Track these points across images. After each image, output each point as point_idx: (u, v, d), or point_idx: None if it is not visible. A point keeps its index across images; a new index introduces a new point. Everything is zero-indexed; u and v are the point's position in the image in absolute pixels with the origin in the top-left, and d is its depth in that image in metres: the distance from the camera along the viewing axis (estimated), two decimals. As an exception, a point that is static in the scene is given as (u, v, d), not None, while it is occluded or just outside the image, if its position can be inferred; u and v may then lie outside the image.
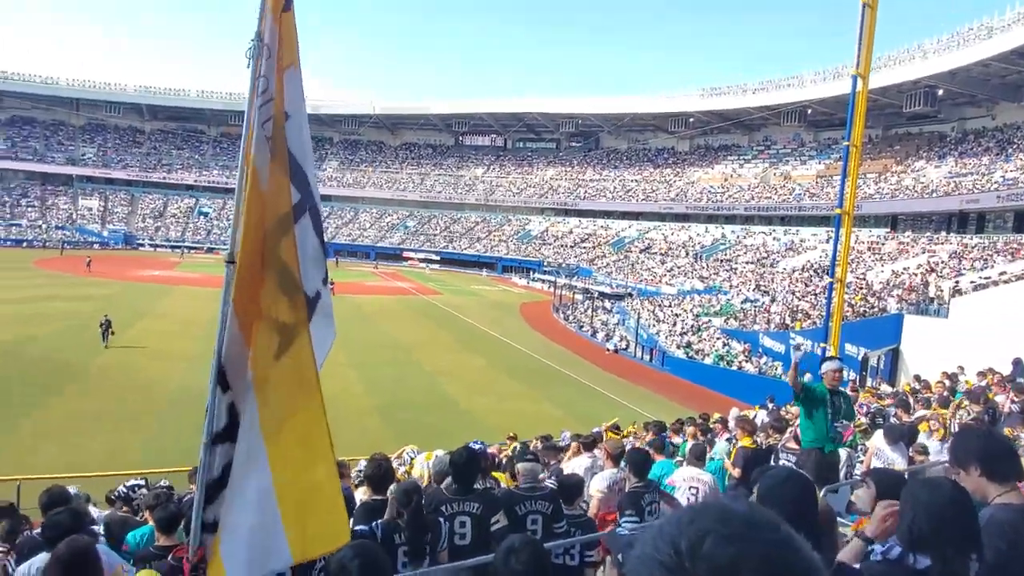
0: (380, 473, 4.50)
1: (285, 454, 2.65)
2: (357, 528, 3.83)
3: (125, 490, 7.17)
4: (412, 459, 8.53)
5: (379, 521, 3.97)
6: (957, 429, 7.95)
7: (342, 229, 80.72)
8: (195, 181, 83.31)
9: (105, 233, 73.50)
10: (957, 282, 26.20)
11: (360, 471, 7.05)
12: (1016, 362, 14.65)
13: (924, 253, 36.19)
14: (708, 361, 29.91)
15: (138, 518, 5.95)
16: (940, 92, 45.15)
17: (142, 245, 72.62)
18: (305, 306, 2.79)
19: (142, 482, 7.50)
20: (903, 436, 7.29)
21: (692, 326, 35.62)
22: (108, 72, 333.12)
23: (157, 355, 24.10)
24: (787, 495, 2.33)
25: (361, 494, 4.78)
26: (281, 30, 2.83)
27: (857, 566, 2.40)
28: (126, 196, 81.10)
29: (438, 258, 74.79)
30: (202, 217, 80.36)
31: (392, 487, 4.43)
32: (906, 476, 4.12)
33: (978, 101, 45.87)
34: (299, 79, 2.97)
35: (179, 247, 71.48)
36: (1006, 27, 36.58)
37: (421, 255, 75.68)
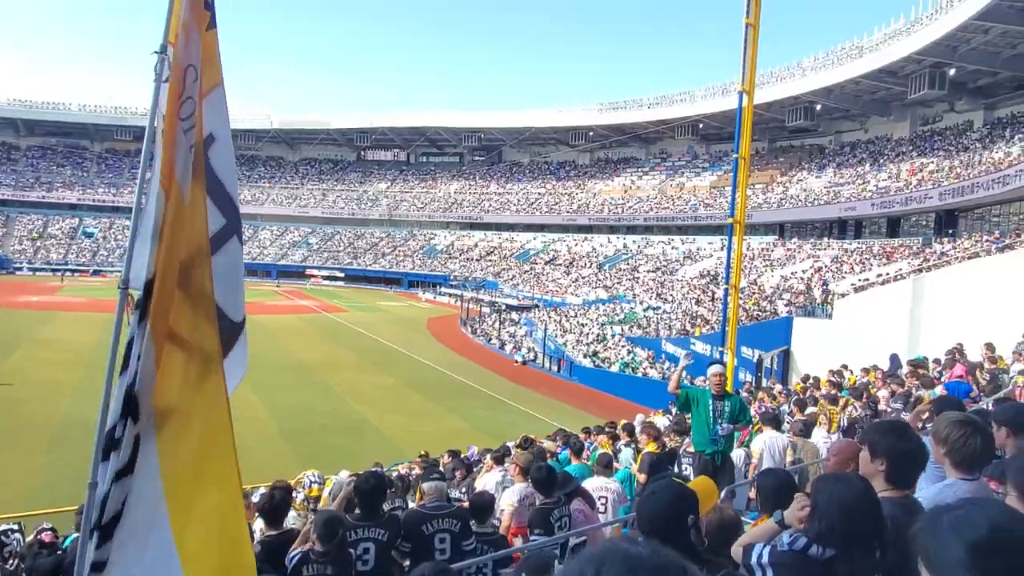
0: (273, 505, 4.30)
1: (187, 489, 2.49)
2: None
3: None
4: (311, 484, 8.24)
5: (293, 556, 3.79)
6: (846, 424, 8.41)
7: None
8: (78, 200, 78.11)
9: (-25, 257, 67.95)
10: (826, 285, 27.88)
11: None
12: (893, 357, 15.71)
13: (809, 258, 38.38)
14: (614, 369, 30.57)
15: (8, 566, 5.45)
16: (818, 107, 48.18)
17: (19, 269, 67.46)
18: (220, 334, 2.66)
19: (15, 527, 6.89)
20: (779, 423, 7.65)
21: (598, 335, 36.35)
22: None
23: (38, 387, 22.36)
24: (657, 510, 2.38)
25: (260, 525, 4.55)
26: (205, 49, 2.70)
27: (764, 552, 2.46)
28: (0, 217, 75.25)
29: (342, 275, 73.34)
30: (87, 238, 75.53)
31: (292, 516, 4.26)
32: (790, 472, 4.30)
33: (852, 115, 49.23)
34: (223, 99, 2.83)
35: (61, 270, 66.87)
36: (874, 47, 39.47)
37: (325, 272, 73.98)
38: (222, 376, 2.59)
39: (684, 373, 7.04)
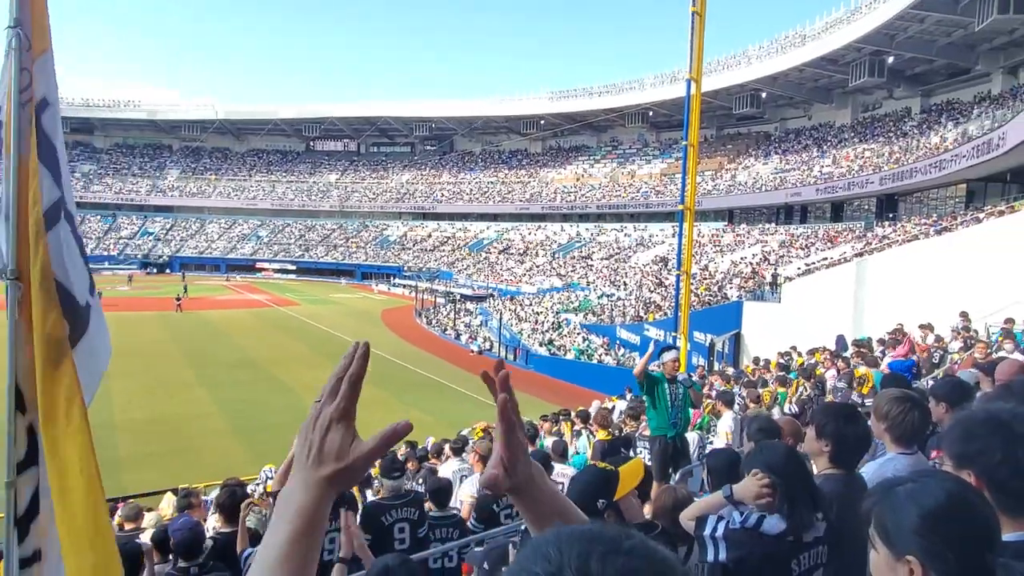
0: (233, 501, 4.24)
1: (60, 479, 2.42)
2: None
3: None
4: (267, 479, 8.13)
5: (248, 555, 3.74)
6: (795, 405, 8.63)
7: (188, 241, 75.91)
8: None
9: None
10: (775, 272, 28.57)
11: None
12: (839, 339, 16.18)
13: (758, 243, 39.22)
14: (570, 356, 30.80)
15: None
16: (764, 95, 49.10)
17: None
18: (70, 318, 2.52)
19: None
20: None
21: (553, 323, 36.57)
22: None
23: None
24: (572, 492, 2.47)
25: (214, 522, 4.47)
26: (34, 13, 2.57)
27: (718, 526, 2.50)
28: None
29: (294, 268, 72.14)
30: None
31: (253, 515, 4.19)
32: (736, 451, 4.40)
33: (796, 103, 50.32)
34: (52, 64, 2.68)
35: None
36: (816, 35, 40.35)
37: (276, 265, 72.66)
38: (73, 366, 2.48)
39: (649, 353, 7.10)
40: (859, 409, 3.11)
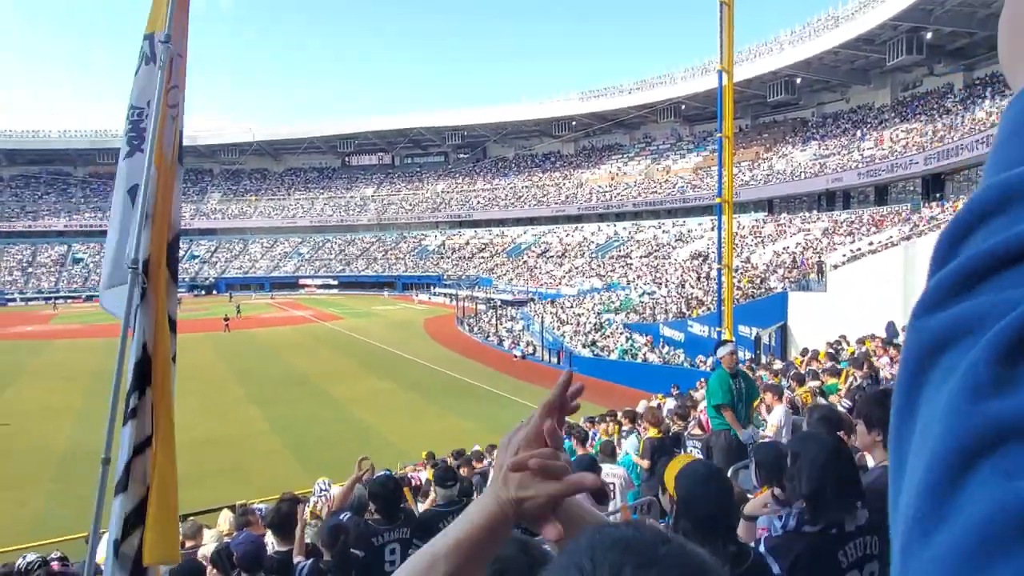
0: (281, 517, 4.32)
1: (165, 451, 2.64)
2: None
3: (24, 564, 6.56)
4: (325, 490, 8.26)
5: (301, 568, 3.82)
6: (846, 398, 8.44)
7: (232, 263, 77.62)
8: (65, 226, 77.78)
9: (-34, 292, 67.48)
10: (820, 260, 27.96)
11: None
12: (889, 325, 15.78)
13: (800, 232, 38.48)
14: (614, 357, 30.61)
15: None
16: (799, 80, 48.23)
17: (12, 300, 67.10)
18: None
19: (36, 558, 6.88)
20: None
21: (595, 324, 36.40)
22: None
23: (41, 417, 22.28)
24: (711, 493, 2.27)
25: (270, 539, 4.57)
26: (177, 29, 2.84)
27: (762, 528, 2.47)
28: (-13, 249, 74.82)
29: (336, 282, 73.20)
30: (77, 264, 75.17)
31: (306, 527, 4.28)
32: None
33: (832, 86, 49.31)
34: (184, 75, 2.97)
35: (53, 298, 66.57)
36: (850, 16, 39.51)
37: (318, 281, 73.84)
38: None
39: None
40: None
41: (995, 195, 0.34)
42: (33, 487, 15.85)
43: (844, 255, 26.84)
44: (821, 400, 8.25)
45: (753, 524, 2.93)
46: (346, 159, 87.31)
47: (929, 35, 35.84)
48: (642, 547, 0.63)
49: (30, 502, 14.87)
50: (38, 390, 26.35)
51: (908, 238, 23.92)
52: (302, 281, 74.24)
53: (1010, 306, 0.31)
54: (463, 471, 8.55)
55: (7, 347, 38.03)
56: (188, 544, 6.13)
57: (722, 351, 7.10)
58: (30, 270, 73.40)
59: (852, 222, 35.71)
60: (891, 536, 0.34)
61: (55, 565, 6.01)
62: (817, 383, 9.26)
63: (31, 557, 6.48)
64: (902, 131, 39.33)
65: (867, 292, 21.30)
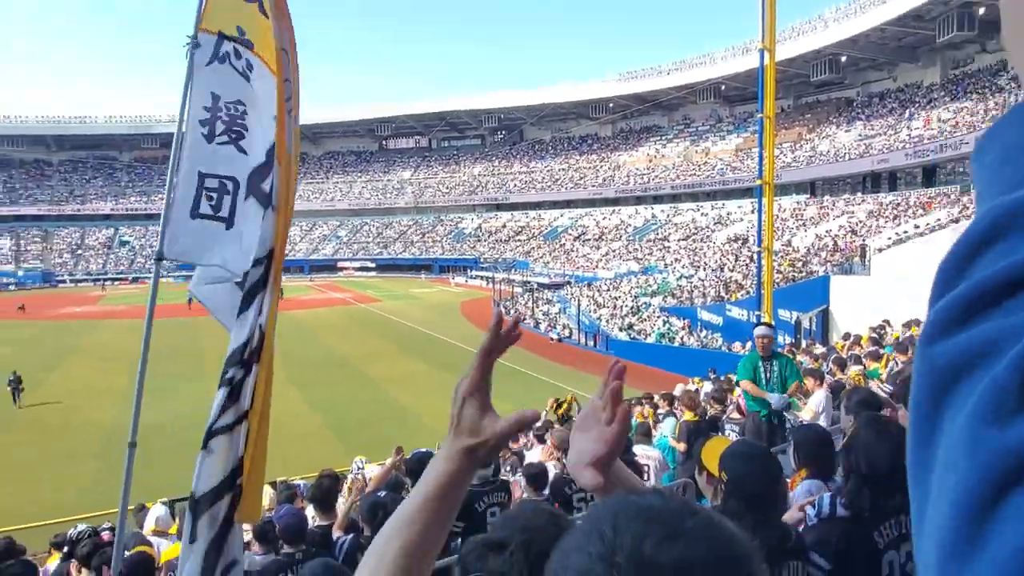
0: (322, 492, 4.42)
1: (256, 430, 2.80)
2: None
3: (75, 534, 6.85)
4: (361, 468, 8.41)
5: (342, 543, 3.90)
6: (886, 383, 8.28)
7: (272, 245, 78.86)
8: (112, 210, 79.94)
9: (20, 273, 69.74)
10: (863, 243, 27.33)
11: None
12: (936, 310, 15.36)
13: (843, 215, 37.64)
14: (650, 340, 30.43)
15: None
16: (843, 59, 46.97)
17: (62, 281, 69.25)
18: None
19: (87, 528, 7.16)
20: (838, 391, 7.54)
21: (632, 307, 36.19)
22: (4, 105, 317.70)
23: (88, 395, 23.06)
24: (759, 471, 2.24)
25: (311, 514, 4.68)
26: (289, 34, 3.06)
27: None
28: (39, 232, 77.18)
29: (374, 265, 73.93)
30: (123, 247, 77.22)
31: (346, 503, 4.37)
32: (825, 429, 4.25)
33: (879, 64, 47.91)
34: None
35: (101, 280, 68.50)
36: (898, -9, 38.29)
37: (356, 264, 74.66)
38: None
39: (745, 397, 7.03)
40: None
41: (999, 219, 0.35)
42: (83, 463, 16.44)
43: (889, 238, 26.22)
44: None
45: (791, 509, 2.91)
46: (384, 143, 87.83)
47: (982, 10, 34.53)
48: (668, 518, 0.61)
49: (79, 477, 15.45)
50: (87, 369, 27.23)
51: (957, 220, 23.26)
52: (340, 264, 75.13)
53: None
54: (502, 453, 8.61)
55: (58, 327, 39.34)
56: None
57: (756, 332, 7.07)
58: (79, 252, 75.68)
59: (898, 204, 34.80)
60: (917, 561, 0.34)
61: (105, 535, 6.24)
62: (860, 367, 9.10)
63: (82, 527, 6.75)
64: (952, 110, 38.08)
65: (914, 276, 20.72)
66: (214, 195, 3.12)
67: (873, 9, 40.33)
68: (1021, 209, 0.33)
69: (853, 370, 8.54)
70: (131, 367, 23.78)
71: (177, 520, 7.01)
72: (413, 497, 0.97)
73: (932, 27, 37.74)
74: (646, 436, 6.74)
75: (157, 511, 6.61)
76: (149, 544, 5.37)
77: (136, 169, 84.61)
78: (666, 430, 8.24)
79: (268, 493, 8.39)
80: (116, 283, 67.73)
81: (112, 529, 6.80)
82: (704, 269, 39.40)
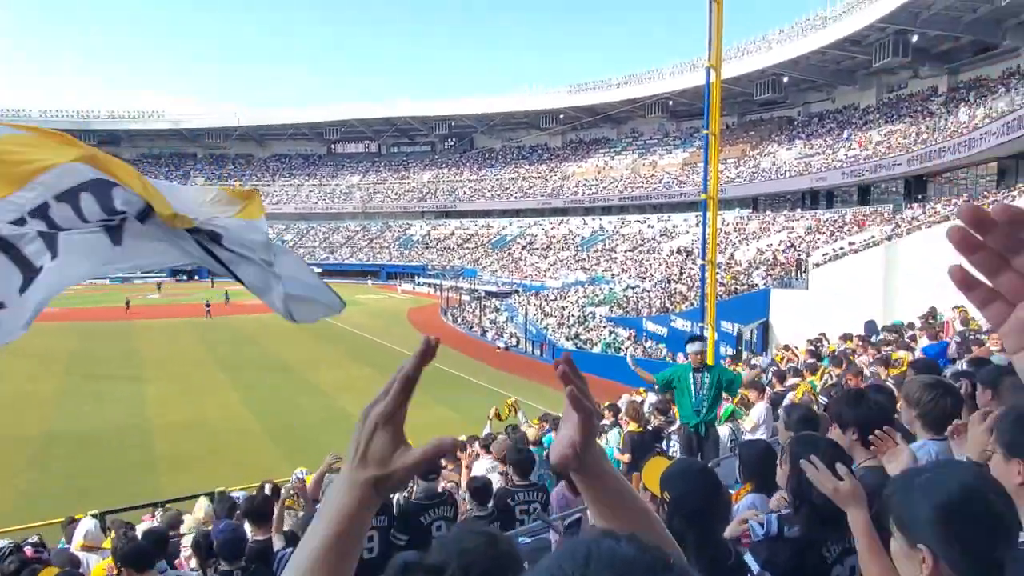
0: (255, 506, 4.32)
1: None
2: None
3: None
4: (301, 479, 8.23)
5: (281, 558, 3.81)
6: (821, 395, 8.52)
7: (214, 248, 76.75)
8: (43, 208, 76.62)
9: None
10: (800, 258, 28.19)
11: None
12: (869, 324, 15.94)
13: (784, 230, 38.76)
14: (596, 350, 30.72)
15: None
16: (786, 79, 48.44)
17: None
18: None
19: (8, 545, 6.81)
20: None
21: (579, 317, 36.49)
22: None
23: (10, 402, 21.99)
24: (699, 488, 2.26)
25: (248, 529, 4.56)
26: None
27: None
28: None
29: (320, 270, 72.58)
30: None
31: (279, 507, 4.28)
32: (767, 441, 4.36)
33: (819, 86, 49.57)
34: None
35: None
36: (838, 17, 39.71)
37: (301, 269, 73.21)
38: None
39: (638, 369, 7.19)
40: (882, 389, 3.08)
41: None
42: (10, 473, 15.68)
43: (825, 254, 27.08)
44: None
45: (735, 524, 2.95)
46: (332, 146, 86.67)
47: (915, 38, 36.10)
48: (642, 571, 0.58)
49: (8, 489, 14.73)
50: (10, 373, 26.04)
51: (890, 238, 24.16)
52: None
53: None
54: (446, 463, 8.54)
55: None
56: (169, 533, 6.08)
57: (690, 347, 7.14)
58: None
59: (835, 221, 36.01)
60: None
61: (28, 551, 5.95)
62: (804, 380, 9.36)
63: (3, 543, 6.42)
64: (886, 132, 39.66)
65: (848, 291, 21.52)
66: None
67: (814, 33, 41.76)
68: None
69: (802, 384, 8.77)
70: (64, 370, 22.97)
71: (108, 535, 6.73)
72: (310, 541, 0.87)
73: (868, 52, 39.25)
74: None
75: (86, 525, 6.32)
76: (77, 561, 5.15)
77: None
78: (612, 441, 8.32)
79: (204, 505, 8.16)
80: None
81: (36, 545, 6.49)
82: (650, 280, 40.02)
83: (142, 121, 79.35)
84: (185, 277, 70.52)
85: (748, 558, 2.29)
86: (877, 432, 2.40)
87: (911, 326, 12.67)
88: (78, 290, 59.02)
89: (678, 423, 7.14)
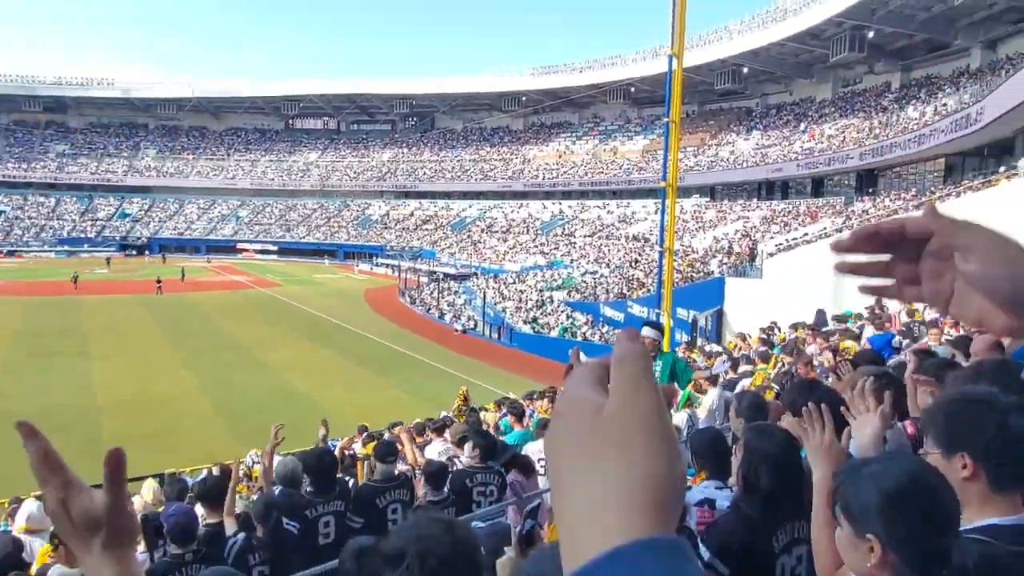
0: (207, 489, 4.27)
1: None
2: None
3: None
4: (254, 464, 8.14)
5: (233, 543, 3.76)
6: (776, 380, 8.72)
7: (167, 223, 74.79)
8: (-16, 176, 73.51)
9: None
10: (752, 247, 28.74)
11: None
12: (819, 313, 16.37)
13: (740, 219, 39.40)
14: (554, 334, 30.91)
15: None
16: (745, 70, 49.07)
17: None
18: None
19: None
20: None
21: (537, 301, 36.63)
22: None
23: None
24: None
25: (200, 511, 4.49)
26: None
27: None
28: None
29: (276, 248, 71.51)
30: (-3, 216, 71.21)
31: (230, 490, 4.24)
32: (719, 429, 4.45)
33: (777, 78, 50.35)
34: None
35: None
36: (797, 10, 40.29)
37: (257, 246, 71.97)
38: None
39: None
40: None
41: None
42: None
43: (778, 244, 27.62)
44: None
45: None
46: (290, 122, 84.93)
47: (871, 34, 36.87)
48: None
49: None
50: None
51: (840, 230, 24.75)
52: (240, 245, 72.19)
53: None
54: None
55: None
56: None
57: (644, 332, 7.17)
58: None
59: (789, 212, 36.75)
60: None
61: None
62: (750, 367, 9.56)
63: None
64: (840, 126, 40.52)
65: (800, 281, 21.98)
66: None
67: (774, 25, 42.33)
68: None
69: (759, 372, 8.96)
70: (5, 348, 22.20)
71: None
72: None
73: (826, 46, 39.98)
74: (546, 430, 6.83)
75: (29, 507, 6.14)
76: (20, 544, 5.01)
77: (15, 133, 78.14)
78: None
79: (152, 487, 7.99)
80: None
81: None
82: (608, 266, 40.34)
83: (91, 88, 76.21)
84: (134, 252, 68.53)
85: (701, 548, 2.34)
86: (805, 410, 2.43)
87: (859, 316, 13.03)
88: (23, 263, 57.03)
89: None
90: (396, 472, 4.95)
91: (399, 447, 7.58)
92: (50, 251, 64.05)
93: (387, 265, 59.77)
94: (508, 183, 67.32)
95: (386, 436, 9.68)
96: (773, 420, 3.53)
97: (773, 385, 7.88)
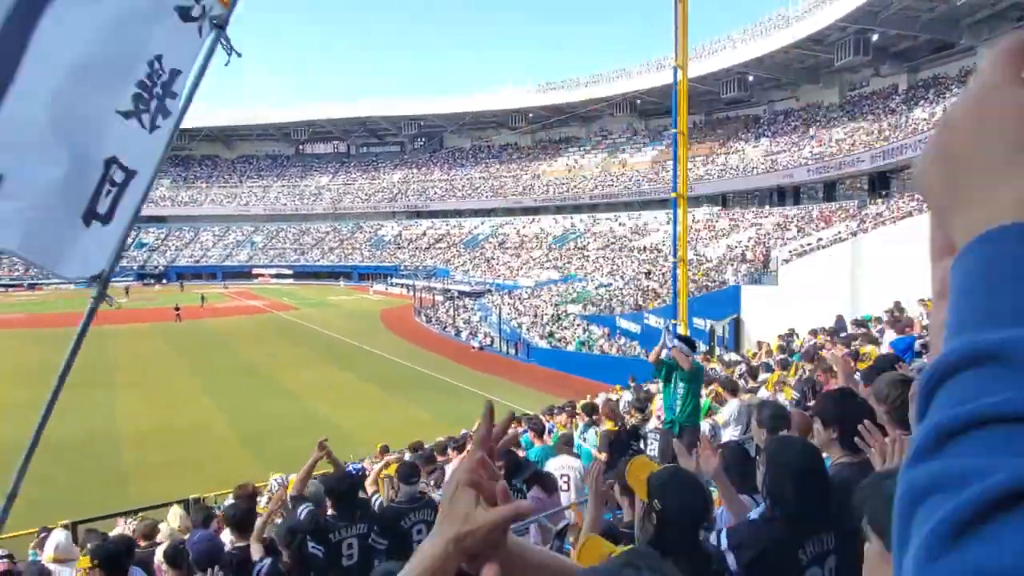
0: (239, 514, 4.29)
1: None
2: None
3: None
4: (281, 485, 8.16)
5: (259, 568, 3.79)
6: (797, 387, 8.67)
7: (183, 251, 75.66)
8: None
9: None
10: (766, 254, 28.62)
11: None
12: (838, 319, 16.24)
13: (752, 227, 39.28)
14: (571, 348, 30.85)
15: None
16: (751, 78, 49.05)
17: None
18: None
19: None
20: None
21: (552, 315, 36.61)
22: None
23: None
24: (689, 504, 2.25)
25: (228, 536, 4.52)
26: None
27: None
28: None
29: (291, 272, 72.02)
30: (16, 252, 72.02)
31: (263, 517, 4.26)
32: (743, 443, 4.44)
33: (783, 84, 50.29)
34: None
35: (-9, 287, 63.84)
36: (800, 16, 40.31)
37: (272, 270, 72.54)
38: None
39: (666, 345, 6.99)
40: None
41: (963, 357, 0.36)
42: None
43: (792, 250, 27.50)
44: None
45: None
46: (300, 147, 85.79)
47: (875, 37, 36.80)
48: None
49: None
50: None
51: (855, 234, 24.62)
52: (256, 270, 72.82)
53: (964, 477, 0.33)
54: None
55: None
56: (143, 544, 6.00)
57: (675, 344, 7.11)
58: (-34, 257, 70.27)
59: (802, 217, 36.60)
60: None
61: (1, 565, 5.84)
62: (769, 375, 9.51)
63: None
64: (849, 130, 40.37)
65: (817, 286, 21.88)
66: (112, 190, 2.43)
67: (777, 32, 42.35)
68: (995, 351, 0.35)
69: (772, 376, 8.91)
70: (31, 381, 22.22)
71: (80, 546, 6.62)
72: None
73: (831, 51, 39.92)
74: (567, 445, 6.83)
75: (57, 537, 6.21)
76: (48, 573, 5.07)
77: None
78: (589, 441, 8.38)
79: (177, 513, 8.04)
80: (10, 290, 63.12)
81: (6, 558, 6.36)
82: (622, 278, 40.29)
83: (104, 123, 77.33)
84: (152, 281, 69.23)
85: (722, 536, 2.33)
86: (861, 428, 2.42)
87: (879, 320, 12.93)
88: (44, 295, 57.77)
89: (654, 421, 7.20)
90: (419, 492, 4.97)
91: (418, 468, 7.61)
92: (69, 283, 64.75)
93: (402, 285, 59.99)
94: (519, 199, 67.52)
95: (406, 457, 9.69)
96: (796, 429, 3.51)
97: (789, 381, 7.83)
